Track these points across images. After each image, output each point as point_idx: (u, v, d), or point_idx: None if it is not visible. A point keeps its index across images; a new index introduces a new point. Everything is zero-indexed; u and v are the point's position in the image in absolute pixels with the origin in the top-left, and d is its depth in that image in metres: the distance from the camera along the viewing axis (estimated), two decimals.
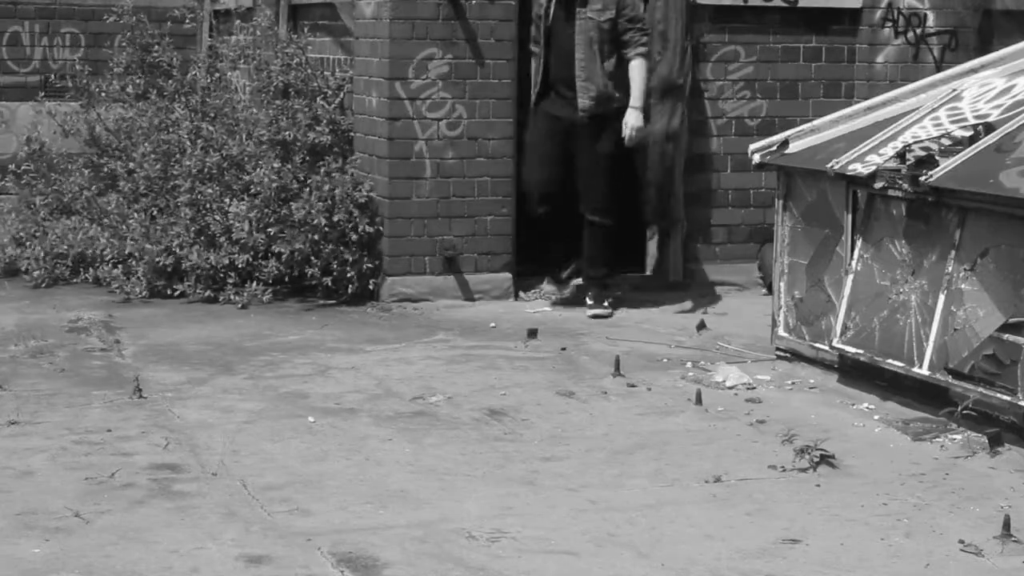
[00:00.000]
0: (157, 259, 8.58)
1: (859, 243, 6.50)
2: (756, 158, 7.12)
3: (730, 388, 6.63)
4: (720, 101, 9.12)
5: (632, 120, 8.13)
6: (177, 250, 8.57)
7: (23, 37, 12.12)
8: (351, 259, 8.49)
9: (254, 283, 8.46)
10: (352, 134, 9.01)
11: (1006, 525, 4.73)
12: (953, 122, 6.42)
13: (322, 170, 8.57)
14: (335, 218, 8.39)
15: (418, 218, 8.59)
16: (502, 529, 4.75)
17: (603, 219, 8.28)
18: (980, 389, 5.77)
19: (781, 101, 9.24)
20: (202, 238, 8.64)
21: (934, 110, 6.67)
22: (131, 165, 9.27)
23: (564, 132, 8.23)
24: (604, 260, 8.39)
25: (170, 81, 9.60)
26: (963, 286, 5.92)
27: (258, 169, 8.50)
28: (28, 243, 9.26)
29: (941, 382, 5.99)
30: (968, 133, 6.22)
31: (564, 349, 7.39)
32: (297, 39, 9.41)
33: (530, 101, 8.42)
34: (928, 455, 5.63)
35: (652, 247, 9.14)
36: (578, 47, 8.08)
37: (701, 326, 7.93)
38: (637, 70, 8.15)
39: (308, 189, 8.47)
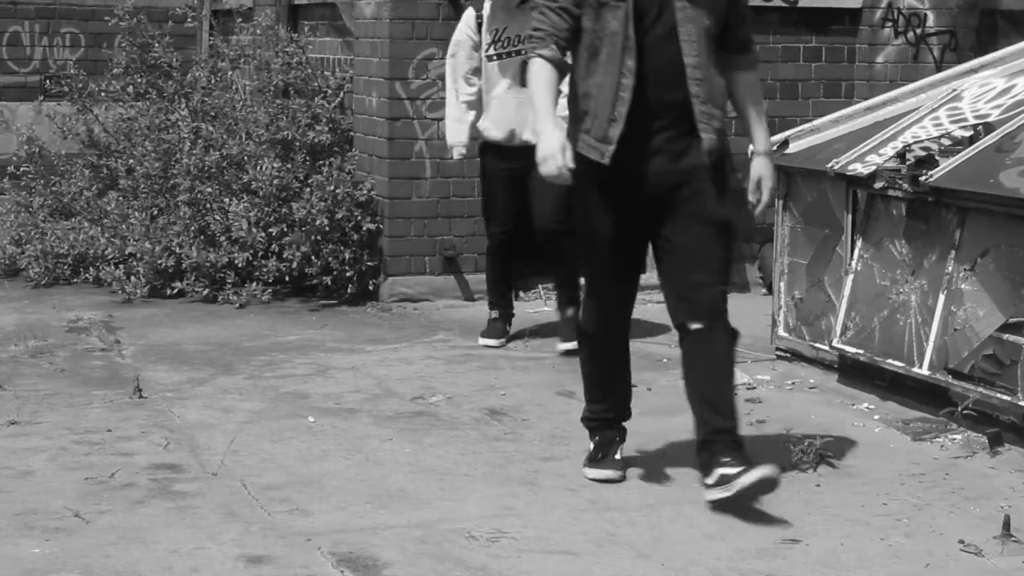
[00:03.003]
0: (158, 259, 8.59)
1: (859, 243, 6.50)
2: None
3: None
4: None
5: (770, 175, 5.20)
6: (177, 249, 8.58)
7: (23, 37, 12.13)
8: (351, 259, 8.50)
9: (253, 283, 8.47)
10: (352, 134, 9.02)
11: (1006, 525, 4.73)
12: (953, 122, 6.42)
13: (324, 170, 8.58)
14: (337, 216, 8.41)
15: (418, 218, 8.60)
16: (502, 529, 4.75)
17: (725, 323, 5.07)
18: (980, 389, 5.77)
19: (781, 101, 9.24)
20: (202, 237, 8.65)
21: (934, 110, 6.67)
22: (131, 163, 9.28)
23: (651, 207, 4.98)
24: (732, 392, 5.09)
25: (170, 82, 9.61)
26: (963, 286, 5.92)
27: (259, 166, 8.51)
28: (27, 243, 9.27)
29: (941, 382, 5.99)
30: (968, 133, 6.22)
31: None
32: (297, 39, 9.42)
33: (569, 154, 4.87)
34: (928, 455, 5.63)
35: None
36: (687, 46, 4.85)
37: None
38: (758, 92, 5.25)
39: (309, 189, 8.48)
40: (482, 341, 7.54)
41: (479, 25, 7.33)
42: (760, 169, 5.16)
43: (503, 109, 7.28)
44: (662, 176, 4.90)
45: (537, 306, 8.55)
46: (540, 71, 4.91)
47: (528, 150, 6.80)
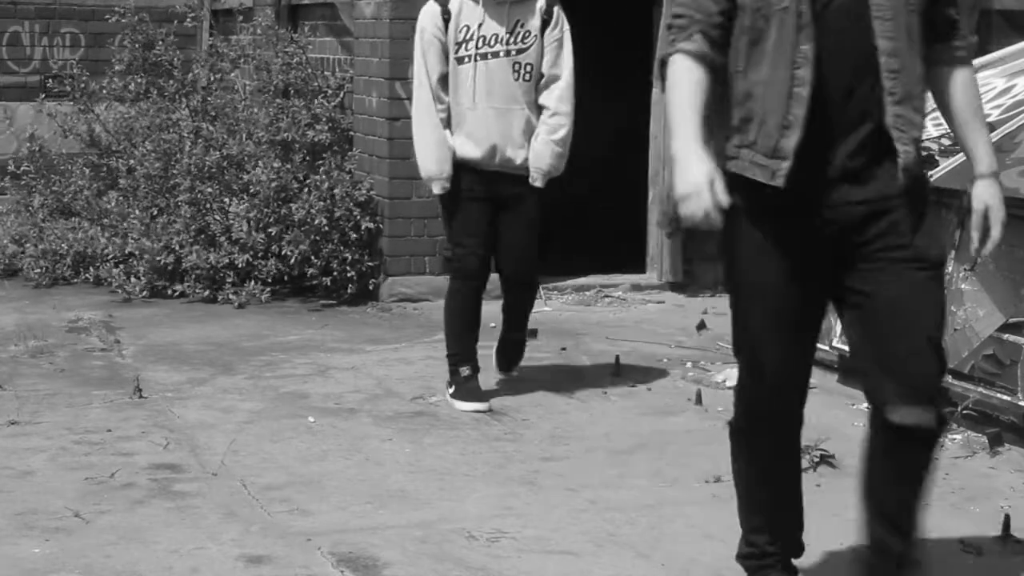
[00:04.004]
0: (157, 257, 8.59)
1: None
2: None
3: (730, 388, 6.61)
4: None
5: (999, 204, 3.76)
6: (177, 248, 8.58)
7: (23, 37, 12.12)
8: (351, 259, 8.50)
9: (252, 282, 8.47)
10: (352, 133, 9.02)
11: (1006, 525, 4.73)
12: None
13: (321, 169, 8.59)
14: (335, 215, 8.41)
15: (418, 218, 8.60)
16: (502, 529, 4.75)
17: (940, 409, 3.74)
18: (980, 389, 5.77)
19: None
20: (202, 237, 8.66)
21: (934, 110, 6.66)
22: (131, 163, 9.29)
23: (830, 248, 3.70)
24: (921, 503, 3.83)
25: (171, 81, 9.61)
26: (963, 286, 5.92)
27: (256, 168, 8.52)
28: (27, 243, 9.27)
29: None
30: None
31: (564, 349, 7.39)
32: (297, 39, 9.42)
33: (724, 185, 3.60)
34: None
35: (652, 247, 9.14)
36: (881, 25, 3.60)
37: (701, 326, 7.93)
38: (976, 94, 3.91)
39: (307, 189, 8.48)
40: (461, 406, 6.22)
41: (446, 21, 6.08)
42: (986, 196, 3.73)
43: (481, 122, 6.06)
44: (845, 207, 3.64)
45: (537, 306, 8.54)
46: (682, 73, 3.61)
47: (510, 176, 6.13)
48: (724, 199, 3.47)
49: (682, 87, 3.59)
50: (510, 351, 6.71)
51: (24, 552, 4.50)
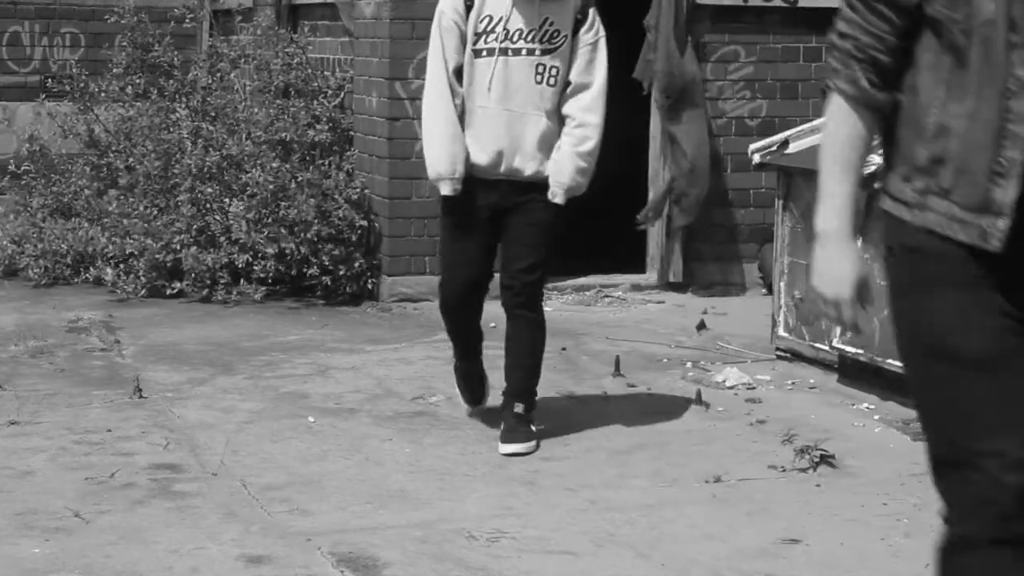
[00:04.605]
0: (158, 255, 8.58)
1: (859, 243, 6.49)
2: (756, 158, 7.12)
3: (730, 388, 6.63)
4: (720, 101, 9.12)
5: None
6: (177, 247, 8.57)
7: (23, 37, 12.12)
8: (350, 259, 8.50)
9: (243, 281, 8.45)
10: (352, 133, 9.02)
11: None
12: None
13: (320, 168, 8.58)
14: (329, 215, 8.39)
15: (418, 218, 8.60)
16: (502, 529, 4.75)
17: None
18: None
19: (781, 101, 9.23)
20: (202, 237, 8.65)
21: None
22: (130, 161, 9.28)
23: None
24: None
25: (171, 81, 9.61)
26: None
27: (255, 170, 8.51)
28: (27, 243, 9.27)
29: None
30: None
31: (564, 349, 7.39)
32: (297, 39, 9.43)
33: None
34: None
35: (652, 247, 9.14)
36: None
37: (701, 326, 7.93)
38: None
39: (298, 186, 8.47)
40: (463, 406, 6.18)
41: (468, 8, 5.52)
42: None
43: (490, 124, 5.52)
44: None
45: None
46: (840, 122, 2.97)
47: (517, 184, 5.58)
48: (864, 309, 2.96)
49: (838, 142, 2.97)
50: (510, 426, 5.70)
51: (24, 552, 4.50)
